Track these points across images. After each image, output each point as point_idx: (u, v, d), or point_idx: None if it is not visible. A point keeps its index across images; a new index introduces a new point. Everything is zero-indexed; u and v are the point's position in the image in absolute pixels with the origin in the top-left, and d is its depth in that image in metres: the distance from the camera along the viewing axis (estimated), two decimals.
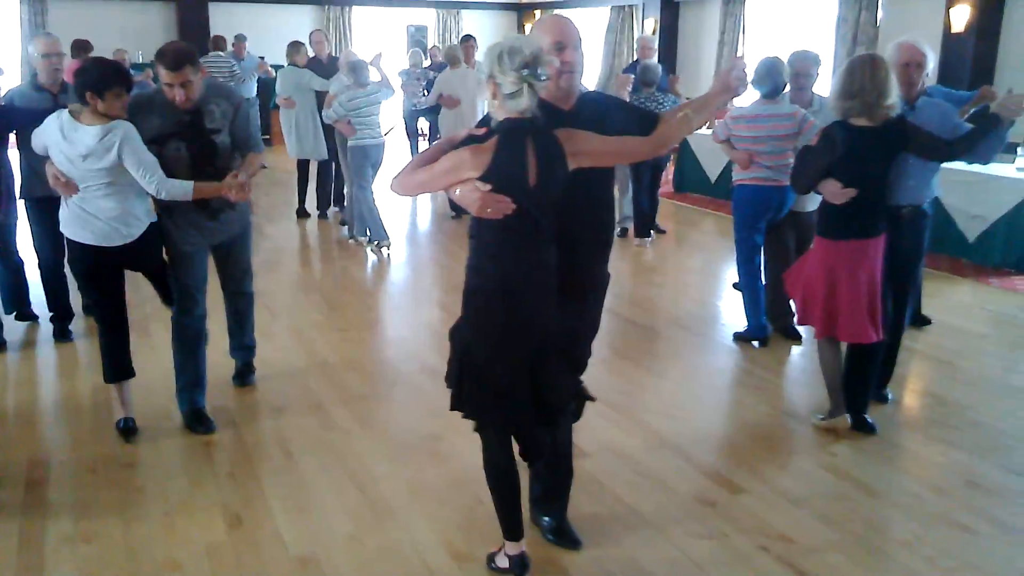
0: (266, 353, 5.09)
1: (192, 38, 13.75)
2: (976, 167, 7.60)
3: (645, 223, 8.19)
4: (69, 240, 3.96)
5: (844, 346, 4.23)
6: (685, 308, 6.31)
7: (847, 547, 3.27)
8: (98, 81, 3.66)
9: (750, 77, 2.94)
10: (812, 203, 5.11)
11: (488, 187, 2.64)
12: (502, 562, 3.06)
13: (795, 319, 4.55)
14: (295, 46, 9.30)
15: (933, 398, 4.75)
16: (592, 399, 3.51)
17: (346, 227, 8.40)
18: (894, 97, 3.82)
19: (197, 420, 4.22)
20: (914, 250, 4.29)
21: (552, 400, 2.95)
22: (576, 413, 3.41)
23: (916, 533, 3.38)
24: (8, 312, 5.56)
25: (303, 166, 9.24)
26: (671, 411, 4.51)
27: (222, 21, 15.05)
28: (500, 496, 2.98)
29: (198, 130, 3.93)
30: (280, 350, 5.30)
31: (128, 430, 4.11)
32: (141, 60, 12.72)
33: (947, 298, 6.56)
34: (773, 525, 3.42)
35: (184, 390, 4.25)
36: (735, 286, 6.34)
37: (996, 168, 7.59)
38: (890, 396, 4.59)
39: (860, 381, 4.24)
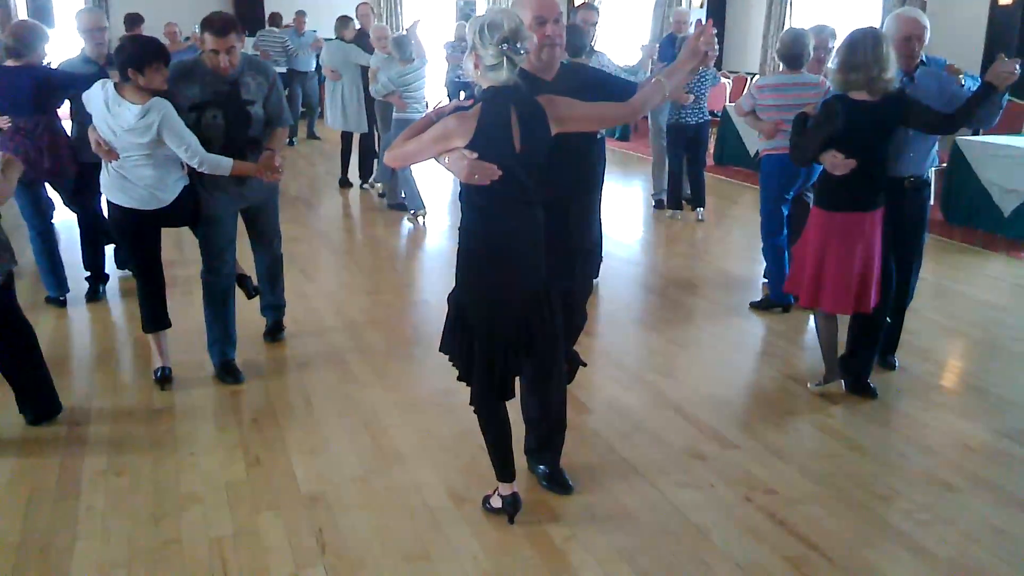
0: (297, 313, 5.37)
1: (247, 12, 14.10)
2: (1015, 140, 7.64)
3: (679, 196, 8.26)
4: (110, 202, 4.24)
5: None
6: (707, 278, 6.43)
7: (827, 500, 3.42)
8: (139, 58, 3.88)
9: (715, 46, 3.05)
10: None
11: (475, 155, 2.83)
12: (495, 503, 3.27)
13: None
14: (343, 20, 9.59)
15: (937, 364, 4.83)
16: (583, 364, 3.69)
17: (384, 196, 8.66)
18: (893, 71, 3.89)
19: (227, 371, 4.50)
20: (918, 219, 4.35)
21: (546, 358, 3.15)
22: (569, 376, 3.58)
23: (897, 489, 3.50)
24: (87, 269, 5.85)
25: (347, 138, 9.51)
26: (676, 373, 4.67)
27: None
28: (491, 439, 3.18)
29: (235, 100, 4.16)
30: (311, 310, 5.57)
31: (165, 379, 4.41)
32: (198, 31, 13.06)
33: (977, 271, 6.57)
34: (759, 478, 3.58)
35: (215, 344, 4.53)
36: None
37: None
38: (897, 363, 4.68)
39: (863, 347, 4.34)
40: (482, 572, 2.98)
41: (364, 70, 8.92)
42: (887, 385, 4.46)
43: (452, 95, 11.79)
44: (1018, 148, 7.41)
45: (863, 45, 3.87)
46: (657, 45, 7.06)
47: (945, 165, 8.08)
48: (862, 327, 4.31)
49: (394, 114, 7.88)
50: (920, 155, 4.24)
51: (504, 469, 3.20)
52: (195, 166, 4.04)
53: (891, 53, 3.88)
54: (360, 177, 9.62)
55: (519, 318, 3.03)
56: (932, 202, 4.56)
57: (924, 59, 4.30)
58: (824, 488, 3.50)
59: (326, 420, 4.08)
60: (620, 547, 3.10)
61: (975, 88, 4.02)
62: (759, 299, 5.69)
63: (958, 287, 6.17)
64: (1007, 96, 4.04)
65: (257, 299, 4.97)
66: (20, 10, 14.13)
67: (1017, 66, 3.83)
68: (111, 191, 4.19)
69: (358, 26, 9.78)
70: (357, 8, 9.94)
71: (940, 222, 7.78)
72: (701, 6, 14.20)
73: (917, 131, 4.11)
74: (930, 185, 4.39)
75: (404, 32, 8.10)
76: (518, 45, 2.76)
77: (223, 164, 4.06)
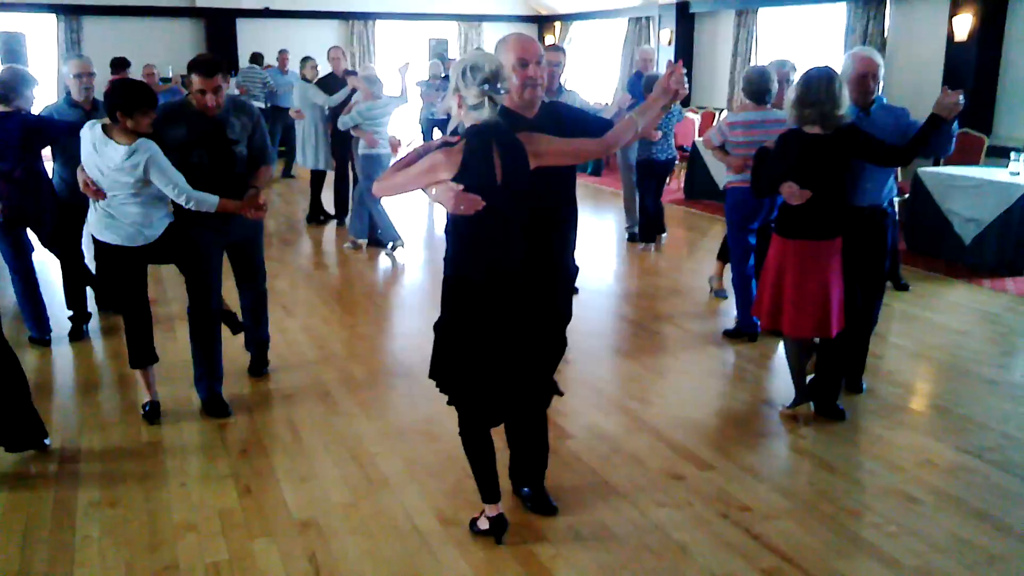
0: (280, 347, 5.47)
1: (220, 52, 14.29)
2: (972, 171, 7.95)
3: (650, 228, 8.51)
4: (97, 240, 4.35)
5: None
6: (680, 308, 6.61)
7: (799, 515, 3.57)
8: (127, 102, 4.03)
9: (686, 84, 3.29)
10: None
11: (461, 187, 2.99)
12: (482, 524, 3.39)
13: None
14: (304, 61, 9.87)
15: (902, 387, 5.01)
16: (560, 394, 3.83)
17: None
18: (846, 108, 4.12)
19: (214, 405, 4.59)
20: (879, 247, 4.56)
21: (528, 386, 3.30)
22: (546, 403, 3.72)
23: (866, 504, 3.67)
24: (69, 308, 5.90)
25: (318, 176, 9.66)
26: (653, 399, 4.82)
27: (249, 36, 15.57)
28: (476, 462, 3.31)
29: (220, 140, 4.32)
30: (292, 344, 5.67)
31: (152, 413, 4.49)
32: (171, 74, 13.23)
33: (940, 298, 6.80)
34: (735, 496, 3.72)
35: (201, 379, 4.62)
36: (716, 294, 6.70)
37: (990, 173, 7.85)
38: (864, 386, 4.86)
39: (829, 371, 4.52)
40: None
41: (325, 109, 9.21)
42: (855, 407, 4.64)
43: (426, 132, 12.00)
44: (977, 179, 7.71)
45: (818, 83, 4.11)
46: (627, 94, 7.34)
47: (907, 196, 8.38)
48: (828, 352, 4.49)
49: (360, 150, 8.15)
50: (877, 186, 4.45)
51: (489, 491, 3.32)
52: (183, 204, 4.16)
53: (844, 90, 4.12)
54: (335, 215, 9.76)
55: (504, 344, 3.17)
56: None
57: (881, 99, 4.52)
58: (796, 504, 3.66)
59: (313, 450, 4.18)
60: (603, 564, 3.23)
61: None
62: (732, 327, 5.87)
63: (922, 313, 6.39)
64: (956, 126, 4.27)
65: (241, 334, 5.08)
66: None
67: (960, 97, 4.08)
68: (99, 229, 4.30)
69: (318, 66, 10.00)
70: (328, 51, 10.15)
71: (903, 251, 8.05)
72: (669, 43, 14.55)
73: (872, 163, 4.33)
74: (890, 215, 4.60)
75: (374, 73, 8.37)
76: (498, 85, 2.95)
77: (209, 201, 4.19)
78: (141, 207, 4.21)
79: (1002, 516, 3.58)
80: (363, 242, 8.48)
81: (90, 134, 4.17)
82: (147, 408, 4.51)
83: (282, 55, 13.23)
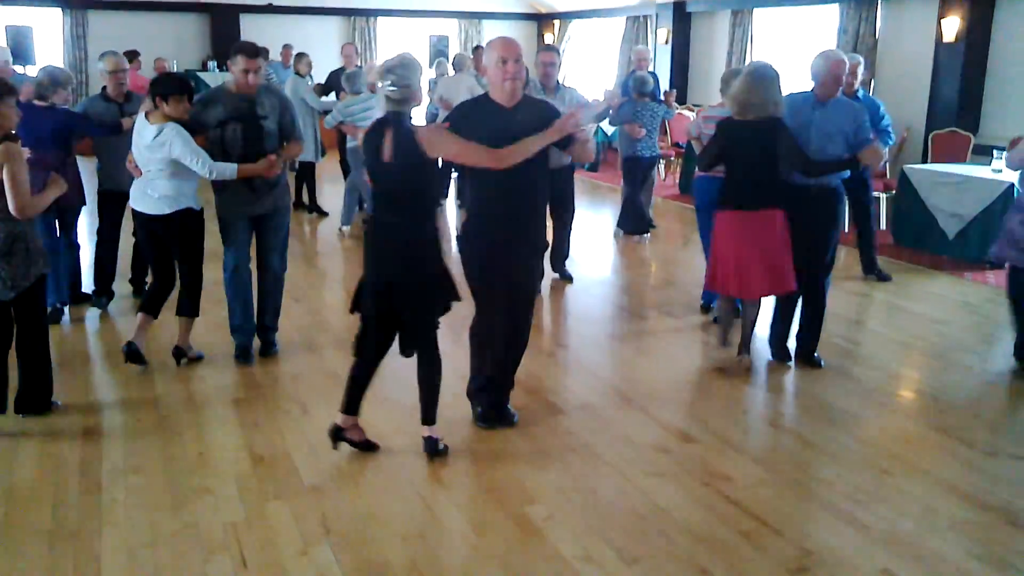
0: (288, 332, 5.71)
1: (224, 47, 14.51)
2: (957, 168, 8.21)
3: (639, 222, 8.75)
4: (134, 210, 4.98)
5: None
6: (672, 297, 6.85)
7: (775, 484, 3.84)
8: (165, 89, 4.69)
9: (585, 121, 3.88)
10: None
11: None
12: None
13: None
14: (299, 56, 10.14)
15: (883, 372, 5.26)
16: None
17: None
18: (773, 102, 4.67)
19: (244, 355, 5.26)
20: (826, 225, 5.00)
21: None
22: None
23: (839, 473, 3.93)
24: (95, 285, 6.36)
25: (305, 167, 9.96)
26: (643, 379, 5.08)
27: (253, 31, 15.78)
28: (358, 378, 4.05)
29: (251, 115, 4.89)
30: (300, 329, 5.92)
31: (132, 354, 4.99)
32: (176, 67, 13.46)
33: (922, 289, 7.06)
34: (716, 467, 3.99)
35: (237, 330, 5.27)
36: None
37: (974, 170, 8.11)
38: (822, 362, 5.21)
39: (782, 321, 5.23)
40: (470, 547, 3.36)
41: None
42: (835, 389, 4.91)
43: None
44: (961, 176, 7.97)
45: (750, 79, 4.69)
46: (619, 92, 7.68)
47: (894, 191, 8.65)
48: (778, 307, 5.19)
49: (348, 143, 8.86)
50: None
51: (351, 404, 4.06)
52: (204, 174, 4.70)
53: (775, 87, 4.66)
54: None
55: (385, 298, 3.89)
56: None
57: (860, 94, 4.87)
58: (774, 475, 3.92)
59: (320, 422, 4.39)
60: (592, 524, 3.49)
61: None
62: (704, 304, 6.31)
63: (906, 304, 6.65)
64: (869, 169, 5.02)
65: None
66: None
67: (885, 152, 4.67)
68: (135, 199, 4.93)
69: (312, 62, 10.29)
70: (342, 48, 10.40)
71: (890, 245, 8.32)
72: (666, 42, 14.80)
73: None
74: (838, 194, 5.02)
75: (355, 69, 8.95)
76: (392, 85, 3.65)
77: (229, 170, 4.75)
78: (168, 181, 4.76)
79: (966, 487, 3.84)
80: (347, 229, 8.99)
81: (138, 121, 4.79)
82: (127, 348, 5.01)
83: (285, 50, 13.45)
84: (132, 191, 4.95)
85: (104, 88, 6.04)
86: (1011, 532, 3.49)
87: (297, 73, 9.98)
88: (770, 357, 5.31)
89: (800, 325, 5.23)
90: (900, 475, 3.93)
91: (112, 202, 6.10)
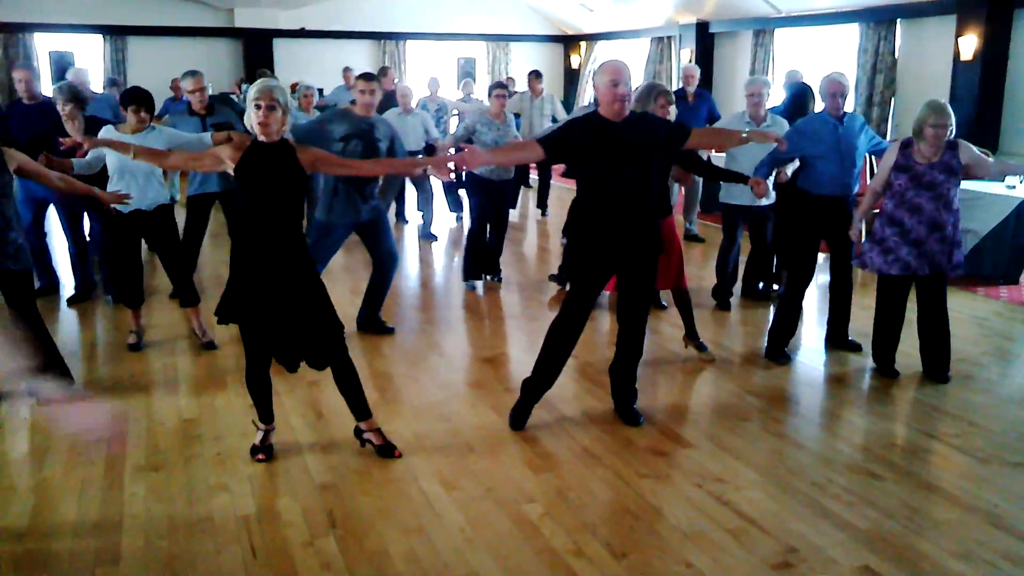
0: None
1: (257, 71, 14.92)
2: (971, 184, 8.28)
3: None
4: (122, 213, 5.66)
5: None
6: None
7: (767, 486, 3.97)
8: (126, 100, 5.49)
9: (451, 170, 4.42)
10: (766, 198, 6.29)
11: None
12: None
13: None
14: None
15: (882, 381, 5.37)
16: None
17: None
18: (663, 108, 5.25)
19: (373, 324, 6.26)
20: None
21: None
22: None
23: (829, 477, 4.05)
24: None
25: None
26: (645, 386, 5.21)
27: (285, 55, 16.25)
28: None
29: (370, 136, 5.74)
30: None
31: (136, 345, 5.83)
32: (211, 90, 13.84)
33: None
34: (711, 470, 4.13)
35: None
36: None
37: (988, 186, 8.16)
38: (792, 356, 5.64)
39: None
40: (468, 541, 3.53)
41: None
42: (838, 397, 5.04)
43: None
44: (975, 192, 8.02)
45: (643, 90, 5.32)
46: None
47: None
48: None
49: None
50: (831, 178, 5.49)
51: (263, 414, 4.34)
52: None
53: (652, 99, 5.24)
54: None
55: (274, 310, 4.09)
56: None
57: (844, 114, 5.39)
58: (766, 478, 4.05)
59: (333, 426, 4.62)
60: (586, 521, 3.65)
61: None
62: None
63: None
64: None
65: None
66: (44, 69, 15.00)
67: (771, 190, 5.35)
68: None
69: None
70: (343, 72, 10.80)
71: None
72: (690, 61, 14.98)
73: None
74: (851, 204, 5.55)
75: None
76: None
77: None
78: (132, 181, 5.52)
79: (953, 489, 3.94)
80: None
81: (108, 131, 5.53)
82: (133, 341, 5.78)
83: (346, 73, 13.74)
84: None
85: (188, 104, 6.80)
86: (994, 533, 3.59)
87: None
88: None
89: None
90: (890, 479, 4.04)
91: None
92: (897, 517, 3.70)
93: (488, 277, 7.74)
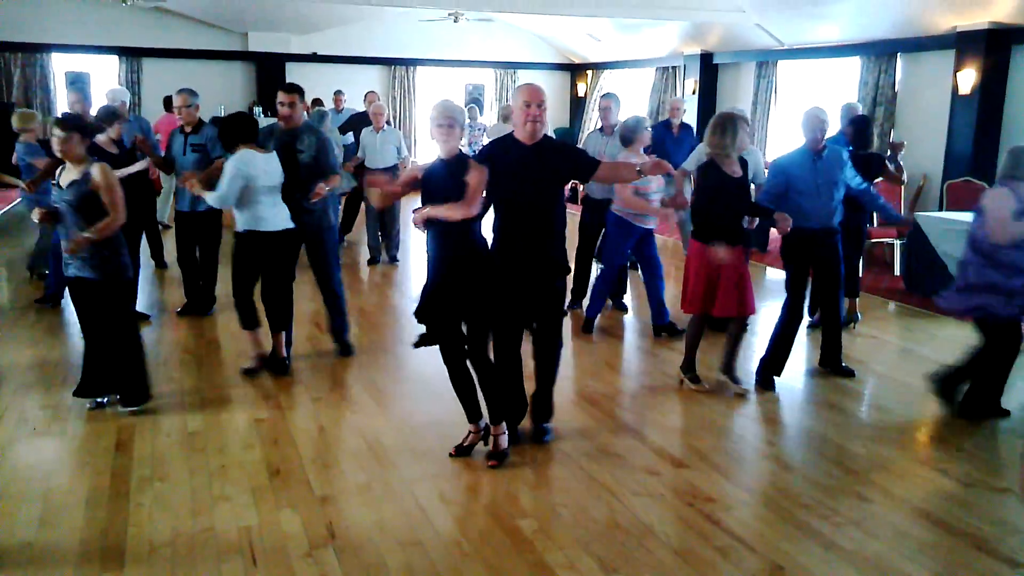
0: (301, 345, 6.10)
1: (270, 93, 15.16)
2: (966, 216, 8.39)
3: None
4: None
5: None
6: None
7: (757, 507, 4.06)
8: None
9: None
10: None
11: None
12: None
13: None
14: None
15: (876, 409, 5.48)
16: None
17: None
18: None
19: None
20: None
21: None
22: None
23: (818, 499, 4.14)
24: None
25: None
26: (641, 407, 5.34)
27: (297, 79, 16.33)
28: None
29: (291, 147, 5.82)
30: (323, 353, 6.26)
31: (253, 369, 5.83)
32: (223, 112, 14.08)
33: (928, 333, 7.24)
34: (702, 489, 4.22)
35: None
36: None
37: None
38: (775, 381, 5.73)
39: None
40: (463, 555, 3.62)
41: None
42: (830, 423, 5.13)
43: None
44: (967, 223, 8.13)
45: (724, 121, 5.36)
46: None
47: (905, 240, 8.85)
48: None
49: None
50: (821, 212, 5.68)
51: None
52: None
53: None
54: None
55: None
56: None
57: (826, 144, 5.68)
58: (756, 498, 4.15)
59: (333, 440, 4.75)
60: (579, 538, 3.75)
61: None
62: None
63: (909, 346, 6.84)
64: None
65: (239, 343, 5.90)
66: (60, 89, 15.26)
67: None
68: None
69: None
70: (365, 95, 11.16)
71: (901, 290, 8.51)
72: (694, 92, 15.18)
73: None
74: (838, 236, 5.79)
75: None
76: None
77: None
78: None
79: (940, 514, 4.03)
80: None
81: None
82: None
83: (336, 96, 13.99)
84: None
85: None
86: (976, 555, 3.68)
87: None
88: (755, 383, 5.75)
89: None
90: (878, 501, 4.13)
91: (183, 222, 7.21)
92: (882, 538, 3.79)
93: None
